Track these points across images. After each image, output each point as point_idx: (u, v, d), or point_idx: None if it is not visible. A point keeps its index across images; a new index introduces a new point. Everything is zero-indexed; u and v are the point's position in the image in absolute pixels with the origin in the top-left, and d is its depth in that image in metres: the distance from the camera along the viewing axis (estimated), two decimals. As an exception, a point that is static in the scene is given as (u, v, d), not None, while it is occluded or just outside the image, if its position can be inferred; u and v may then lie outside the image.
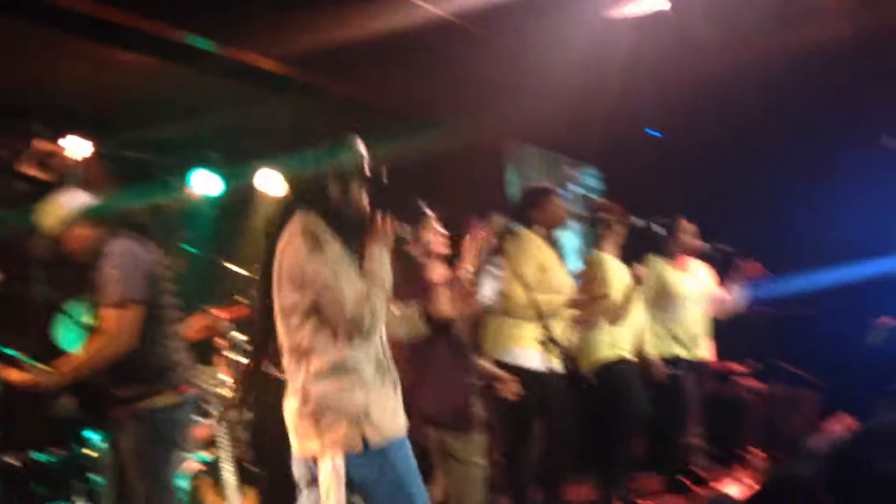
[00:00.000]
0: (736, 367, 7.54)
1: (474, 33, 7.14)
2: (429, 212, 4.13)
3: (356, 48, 6.06)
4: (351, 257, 2.94)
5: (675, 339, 5.79)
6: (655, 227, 5.73)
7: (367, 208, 3.07)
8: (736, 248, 6.07)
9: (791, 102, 8.44)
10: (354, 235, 3.01)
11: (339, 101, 6.57)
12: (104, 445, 4.06)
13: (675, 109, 8.75)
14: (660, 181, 9.27)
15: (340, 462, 2.83)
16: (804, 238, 9.25)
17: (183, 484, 4.34)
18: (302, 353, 2.90)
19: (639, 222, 5.32)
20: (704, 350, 6.17)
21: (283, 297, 2.91)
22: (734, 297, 6.04)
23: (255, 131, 6.77)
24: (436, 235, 4.14)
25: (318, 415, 2.85)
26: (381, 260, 2.98)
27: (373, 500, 2.90)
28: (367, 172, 3.10)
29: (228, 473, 4.55)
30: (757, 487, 4.41)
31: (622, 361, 5.26)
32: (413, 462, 3.00)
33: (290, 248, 2.89)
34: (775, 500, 3.61)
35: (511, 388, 4.62)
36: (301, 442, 2.93)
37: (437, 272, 4.00)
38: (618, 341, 5.31)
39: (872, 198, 8.95)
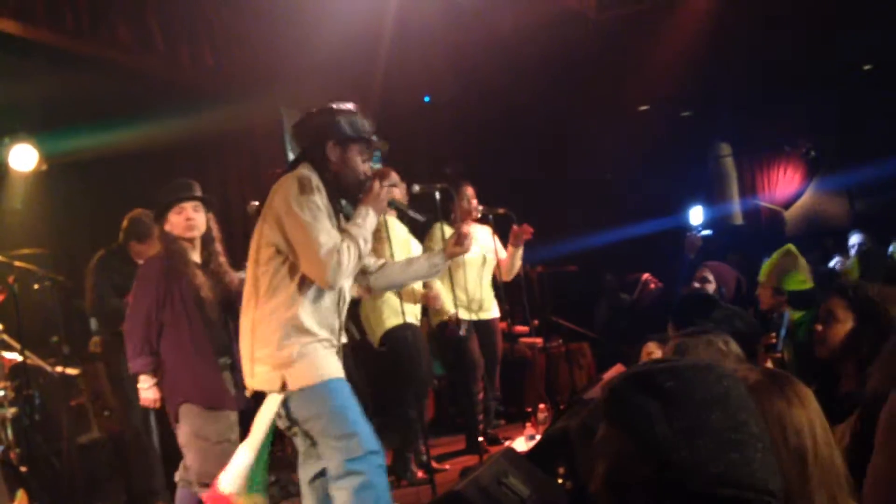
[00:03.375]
0: (518, 326, 7.83)
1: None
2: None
3: (109, 7, 5.66)
4: (335, 215, 3.21)
5: (461, 302, 5.88)
6: (436, 193, 5.77)
7: (366, 173, 3.31)
8: (512, 210, 6.23)
9: (552, 69, 8.81)
10: (351, 197, 3.30)
11: (97, 67, 6.06)
12: None
13: (446, 75, 8.90)
14: (439, 147, 9.43)
15: (274, 401, 3.14)
16: (571, 198, 9.75)
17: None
18: (258, 288, 3.18)
19: (417, 189, 5.33)
20: (491, 312, 6.32)
21: (265, 231, 3.16)
22: (512, 258, 6.19)
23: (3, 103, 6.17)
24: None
25: (253, 351, 3.18)
26: (364, 221, 3.21)
27: (315, 435, 3.18)
28: (370, 140, 3.32)
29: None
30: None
31: (405, 326, 5.29)
32: (351, 403, 3.21)
33: (283, 186, 3.15)
34: (551, 450, 3.78)
35: None
36: (247, 377, 3.25)
37: None
38: (399, 306, 5.32)
39: (634, 162, 9.56)
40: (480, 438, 5.91)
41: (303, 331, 3.16)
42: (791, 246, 4.57)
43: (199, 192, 4.12)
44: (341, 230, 3.18)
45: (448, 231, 5.90)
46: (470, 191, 6.12)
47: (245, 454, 3.19)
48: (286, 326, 3.14)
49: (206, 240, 4.13)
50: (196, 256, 4.08)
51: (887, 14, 8.27)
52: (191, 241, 4.06)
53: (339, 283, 3.18)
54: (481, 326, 6.11)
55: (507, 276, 6.21)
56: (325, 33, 6.99)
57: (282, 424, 3.28)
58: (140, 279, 4.06)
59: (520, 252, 6.10)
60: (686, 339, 2.51)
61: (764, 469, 1.26)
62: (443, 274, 5.62)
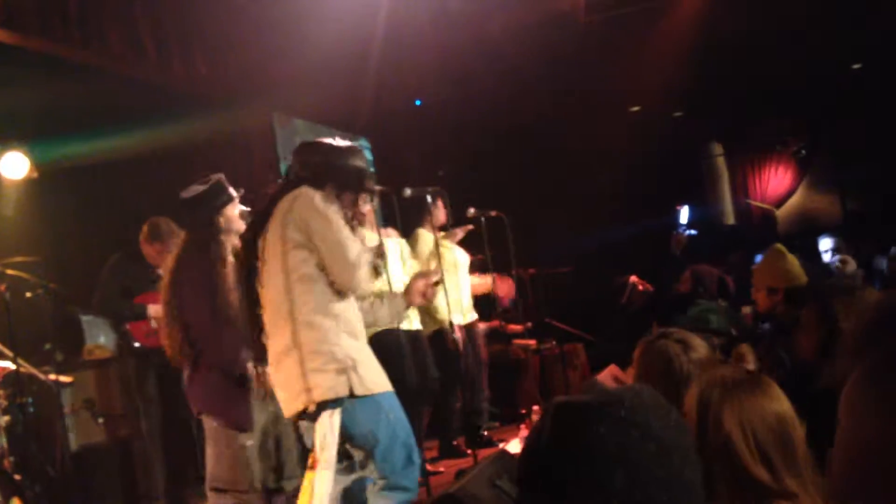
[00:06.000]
0: (510, 327, 7.83)
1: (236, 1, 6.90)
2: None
3: (100, 14, 5.65)
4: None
5: (456, 306, 5.87)
6: (427, 197, 5.77)
7: (351, 212, 3.31)
8: (504, 212, 6.23)
9: (543, 71, 8.83)
10: None
11: (88, 74, 6.05)
12: None
13: (436, 79, 8.92)
14: (431, 150, 9.45)
15: (336, 415, 2.99)
16: (563, 199, 9.76)
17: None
18: (292, 296, 3.06)
19: (409, 192, 5.33)
20: (474, 313, 6.33)
21: (289, 235, 3.09)
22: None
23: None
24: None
25: (303, 363, 3.01)
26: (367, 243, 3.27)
27: (372, 450, 3.08)
28: (365, 184, 3.32)
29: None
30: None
31: (395, 331, 5.28)
32: (403, 413, 3.19)
33: (303, 195, 3.12)
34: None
35: None
36: (289, 400, 3.08)
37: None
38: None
39: (626, 163, 9.57)
40: (455, 442, 5.96)
41: (353, 333, 3.13)
42: (779, 245, 4.59)
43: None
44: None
45: (429, 235, 5.92)
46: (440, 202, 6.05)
47: (327, 480, 3.06)
48: (337, 330, 3.08)
49: None
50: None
51: (876, 13, 8.31)
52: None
53: (361, 288, 3.17)
54: (469, 329, 6.12)
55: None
56: (316, 39, 7.00)
57: (309, 443, 3.18)
58: (196, 283, 3.92)
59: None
60: (644, 346, 2.56)
61: None
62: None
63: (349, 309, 3.17)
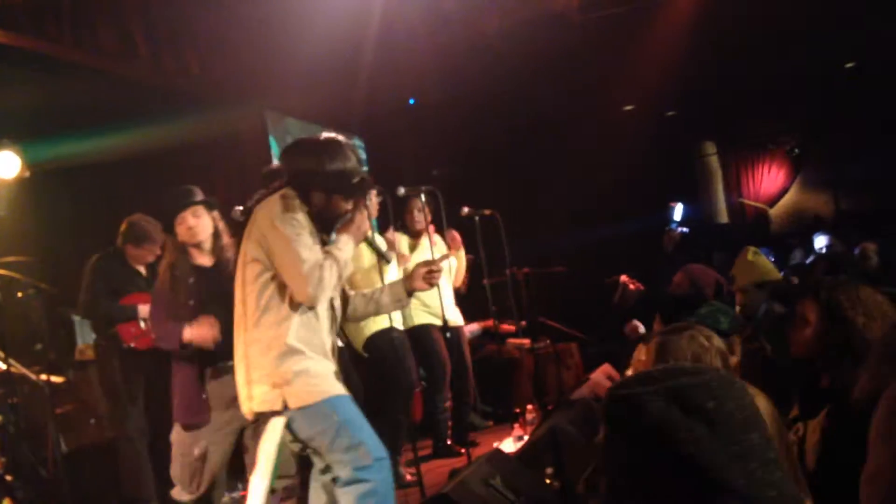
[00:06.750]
0: (504, 326, 7.82)
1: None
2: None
3: (92, 13, 5.64)
4: (317, 237, 3.21)
5: (438, 310, 5.86)
6: (421, 196, 5.75)
7: (348, 210, 3.31)
8: (497, 211, 6.23)
9: (537, 70, 8.83)
10: (331, 228, 3.31)
11: (80, 73, 6.02)
12: None
13: (430, 77, 8.91)
14: (425, 150, 9.43)
15: (277, 424, 3.10)
16: (557, 199, 9.77)
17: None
18: (247, 309, 3.18)
19: (403, 191, 5.31)
20: (456, 319, 6.32)
21: (249, 248, 3.17)
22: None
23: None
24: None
25: (248, 374, 3.16)
26: (346, 246, 3.24)
27: (323, 450, 3.15)
28: (356, 180, 3.26)
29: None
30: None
31: (389, 331, 5.28)
32: (355, 414, 3.20)
33: (267, 205, 3.19)
34: (542, 450, 3.78)
35: None
36: (242, 402, 3.22)
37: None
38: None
39: (620, 162, 9.58)
40: (448, 442, 5.94)
41: (295, 351, 3.16)
42: (751, 247, 4.69)
43: (197, 197, 4.11)
44: (324, 251, 3.19)
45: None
46: (417, 203, 6.01)
47: (259, 485, 3.16)
48: (278, 346, 3.14)
49: (214, 238, 4.14)
50: (206, 259, 4.10)
51: (869, 12, 8.32)
52: (198, 246, 4.08)
53: (319, 300, 3.15)
54: (452, 331, 6.10)
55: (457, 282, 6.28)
56: (309, 37, 6.98)
57: (296, 448, 3.27)
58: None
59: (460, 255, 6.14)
60: (668, 336, 2.54)
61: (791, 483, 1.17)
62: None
63: (295, 323, 3.18)
